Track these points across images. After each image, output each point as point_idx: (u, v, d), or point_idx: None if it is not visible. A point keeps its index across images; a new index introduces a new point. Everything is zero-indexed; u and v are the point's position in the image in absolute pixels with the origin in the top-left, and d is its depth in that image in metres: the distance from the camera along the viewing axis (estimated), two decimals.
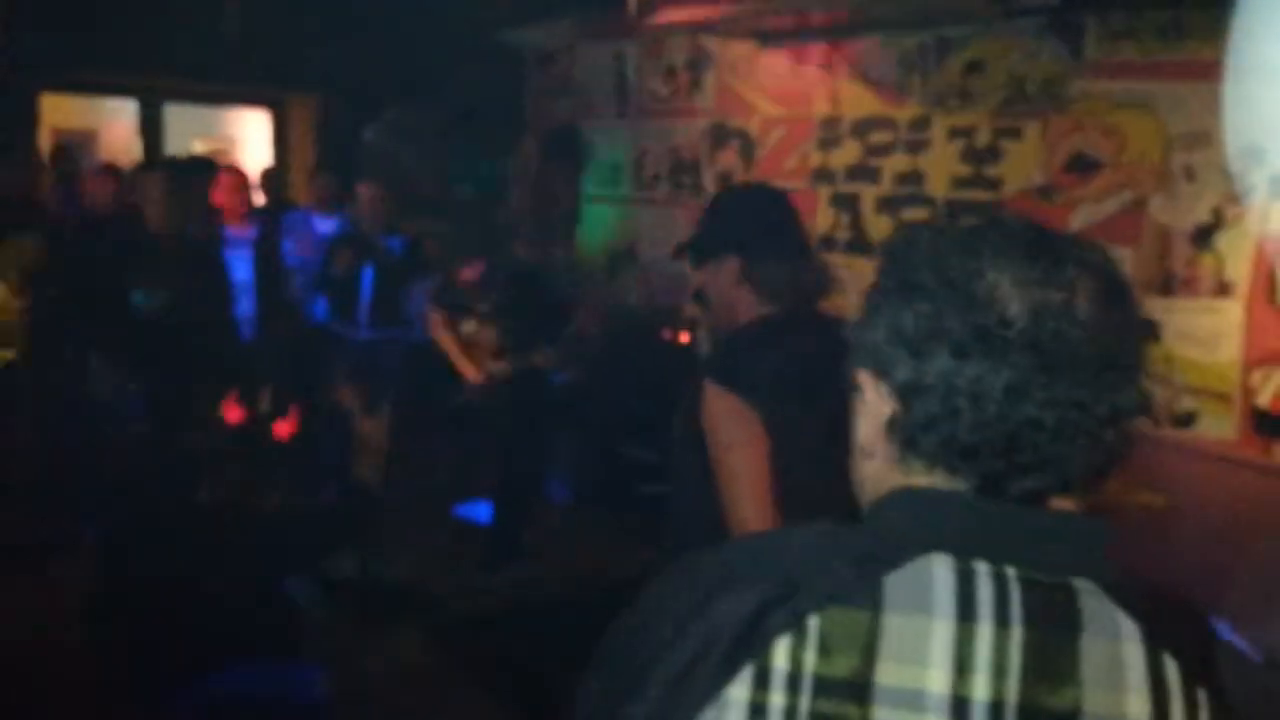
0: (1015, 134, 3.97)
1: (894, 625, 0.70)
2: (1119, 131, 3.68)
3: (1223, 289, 3.43)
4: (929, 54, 4.25)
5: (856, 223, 4.58)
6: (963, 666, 0.69)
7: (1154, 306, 3.58)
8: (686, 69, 5.39)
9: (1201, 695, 0.71)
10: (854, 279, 4.60)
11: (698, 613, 0.73)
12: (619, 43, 5.72)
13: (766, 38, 4.81)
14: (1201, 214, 3.47)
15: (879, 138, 4.47)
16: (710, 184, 5.30)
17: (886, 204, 4.45)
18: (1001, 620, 0.70)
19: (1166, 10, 3.51)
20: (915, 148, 4.33)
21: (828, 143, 4.69)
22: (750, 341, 1.90)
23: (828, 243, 4.70)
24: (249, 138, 8.24)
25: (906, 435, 0.76)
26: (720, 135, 5.23)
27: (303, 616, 3.05)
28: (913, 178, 4.35)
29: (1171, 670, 0.71)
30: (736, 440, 1.77)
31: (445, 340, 4.55)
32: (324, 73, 6.22)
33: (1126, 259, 3.65)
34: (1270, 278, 3.31)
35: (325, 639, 3.26)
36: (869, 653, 0.69)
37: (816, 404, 1.84)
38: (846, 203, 4.62)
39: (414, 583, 4.23)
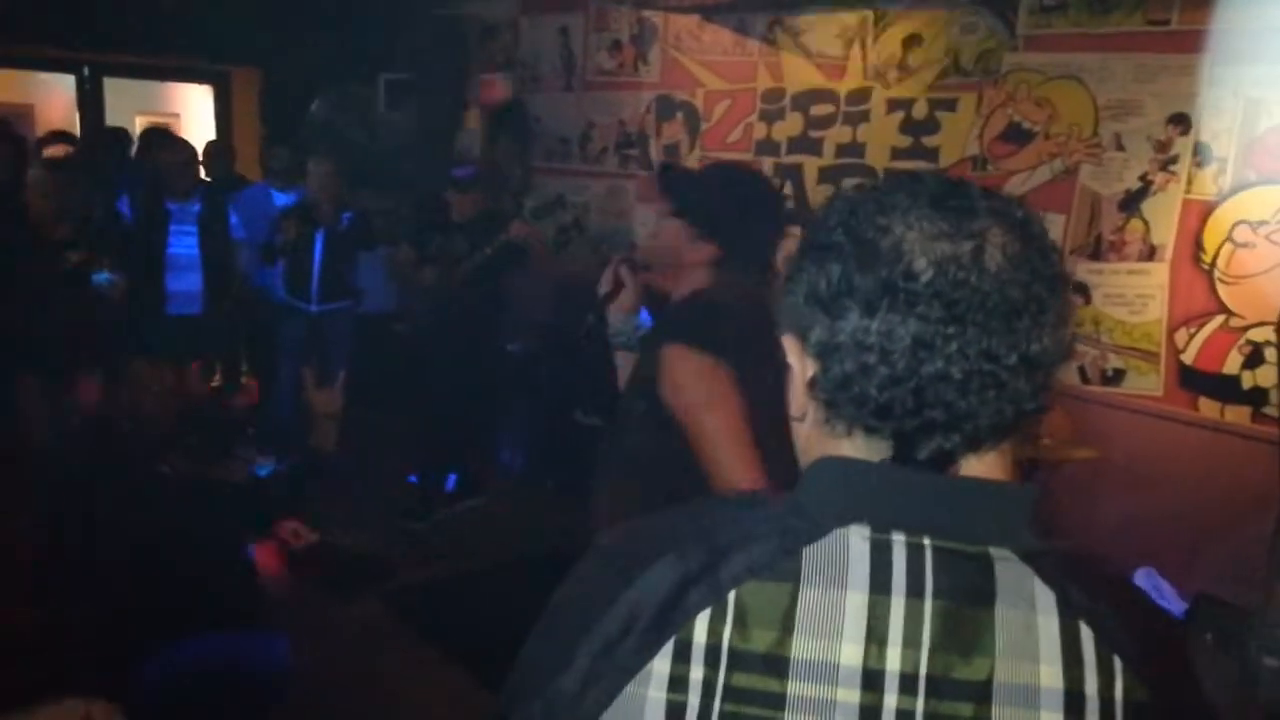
0: (951, 106, 4.10)
1: (810, 599, 0.70)
2: (1050, 102, 3.81)
3: (1150, 252, 3.59)
4: (868, 28, 4.35)
5: (800, 193, 4.67)
6: (875, 638, 0.69)
7: (1084, 270, 3.74)
8: (632, 43, 5.43)
9: (1117, 664, 0.70)
10: (796, 245, 4.71)
11: (625, 584, 0.74)
12: (564, 16, 5.74)
13: (710, 11, 4.87)
14: (1130, 181, 3.62)
15: (820, 110, 4.57)
16: (656, 156, 5.36)
17: (828, 174, 4.56)
18: (915, 591, 0.70)
19: None
20: (855, 119, 4.44)
21: (770, 115, 4.78)
22: (711, 302, 1.87)
23: None
24: (193, 112, 8.09)
25: (826, 396, 0.76)
26: (666, 108, 5.29)
27: (262, 585, 3.09)
28: (853, 149, 4.45)
29: (1087, 639, 0.71)
30: (713, 399, 1.72)
31: (405, 259, 4.58)
32: (267, 46, 6.14)
33: (1058, 225, 3.80)
34: (1195, 241, 3.48)
35: (285, 607, 3.30)
36: (785, 626, 0.70)
37: (776, 363, 1.87)
38: (790, 174, 4.71)
39: (370, 550, 4.28)
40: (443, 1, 6.20)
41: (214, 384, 4.65)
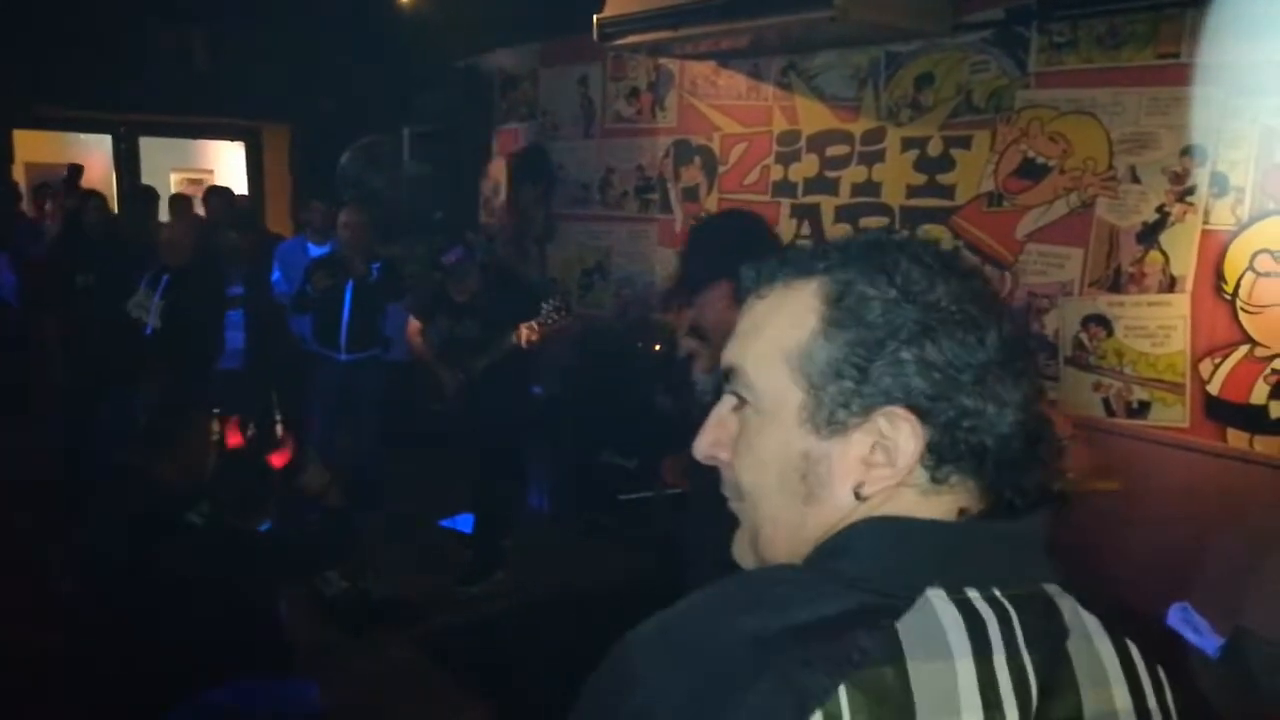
0: (965, 143, 4.14)
1: (921, 675, 0.68)
2: (1064, 137, 3.84)
3: (1170, 284, 3.59)
4: (880, 69, 4.41)
5: (818, 233, 4.72)
6: (991, 704, 0.68)
7: (1105, 303, 3.74)
8: (649, 90, 5.53)
9: (1161, 674, 0.75)
10: None
11: (721, 709, 0.67)
12: (582, 66, 5.86)
13: (724, 57, 4.96)
14: (1147, 213, 3.63)
15: (835, 151, 4.63)
16: (676, 200, 5.44)
17: (845, 213, 4.60)
18: (1011, 647, 0.70)
19: (1104, 20, 3.69)
20: (870, 159, 4.49)
21: (787, 157, 4.84)
22: None
23: None
24: (226, 168, 8.31)
25: (949, 456, 0.76)
26: (684, 152, 5.37)
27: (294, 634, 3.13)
28: (869, 188, 4.50)
29: (1136, 656, 0.75)
30: None
31: (420, 347, 4.61)
32: (295, 102, 6.32)
33: (1076, 259, 3.82)
34: (1215, 270, 3.47)
35: (317, 654, 3.33)
36: (905, 710, 0.67)
37: None
38: (807, 213, 4.76)
39: (401, 596, 4.31)
40: (465, 54, 6.35)
41: (250, 434, 4.72)
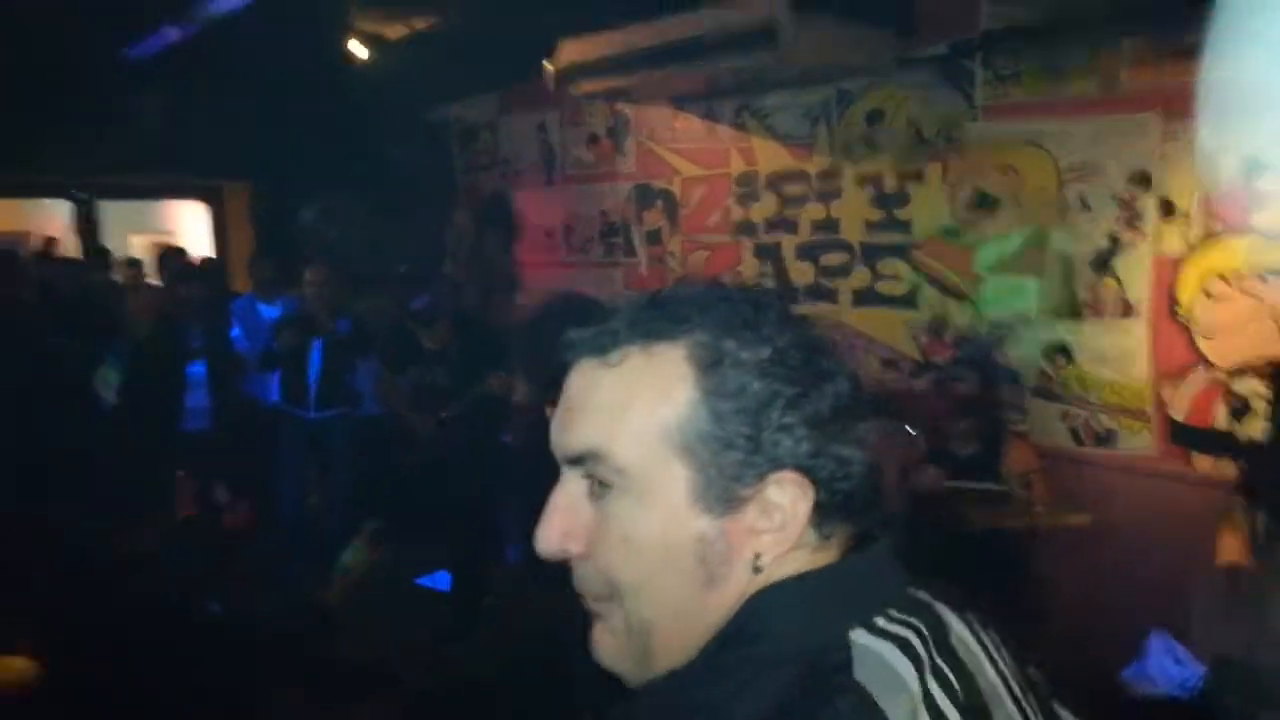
0: (918, 178, 4.16)
1: (896, 714, 0.67)
2: (1015, 169, 3.87)
3: (1127, 309, 3.60)
4: (831, 107, 4.45)
5: (780, 271, 4.73)
6: (939, 715, 0.69)
7: (1064, 331, 3.76)
8: (608, 135, 5.56)
9: (994, 635, 0.78)
10: None
11: None
12: (541, 113, 5.89)
13: (679, 100, 4.99)
14: (1099, 241, 3.65)
15: (793, 189, 4.65)
16: (640, 244, 5.44)
17: (806, 251, 4.62)
18: (931, 658, 0.71)
19: (1046, 52, 3.73)
20: (828, 196, 4.51)
21: (746, 197, 4.86)
22: None
23: None
24: (188, 229, 8.27)
25: (837, 513, 0.75)
26: (645, 197, 5.39)
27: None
28: (829, 224, 4.52)
29: (976, 625, 0.77)
30: None
31: (393, 394, 4.57)
32: (256, 160, 6.30)
33: (1033, 289, 3.83)
34: (1169, 295, 3.49)
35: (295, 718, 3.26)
36: None
37: None
38: (769, 252, 4.77)
39: (379, 657, 4.23)
40: (425, 106, 6.36)
41: (214, 500, 4.67)
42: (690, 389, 0.73)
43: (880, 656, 0.69)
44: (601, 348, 0.77)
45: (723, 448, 0.72)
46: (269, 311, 5.21)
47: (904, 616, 0.73)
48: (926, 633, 0.72)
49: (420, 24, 5.09)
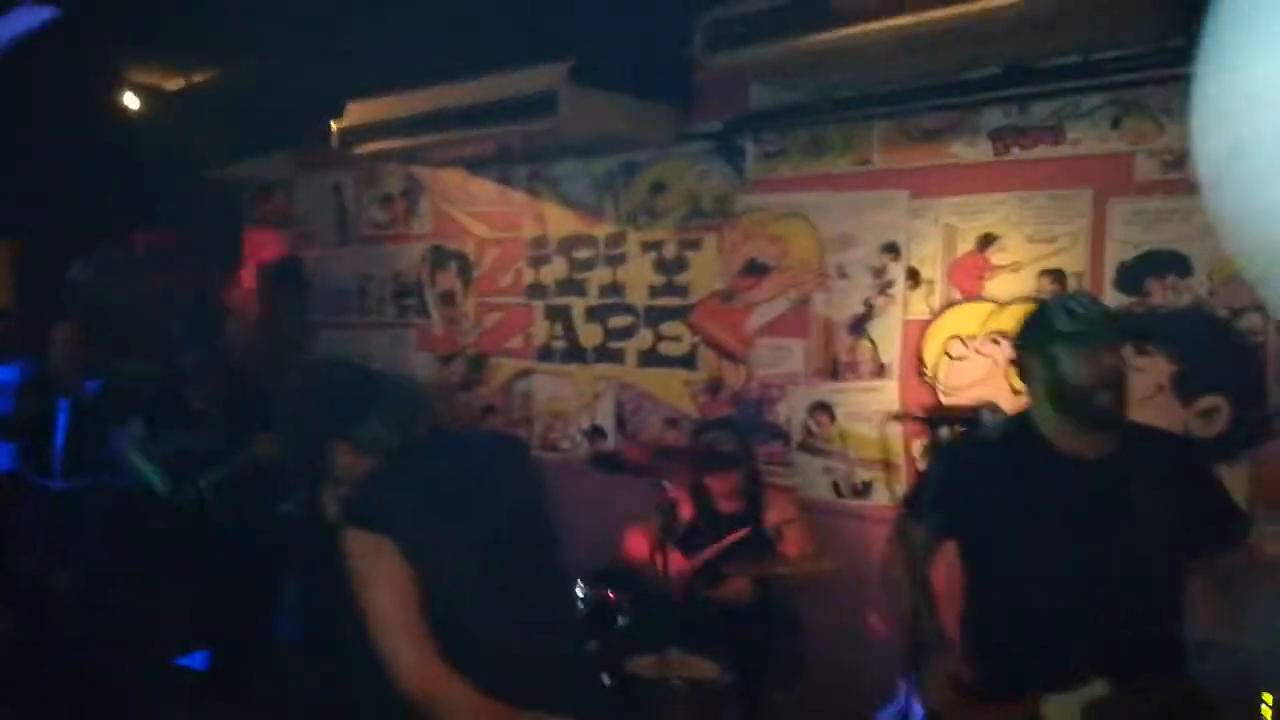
0: (696, 245, 4.35)
1: None
2: (782, 238, 4.10)
3: (881, 369, 3.85)
4: (616, 176, 4.60)
5: (570, 332, 4.79)
6: None
7: (826, 390, 3.97)
8: (402, 196, 5.53)
9: None
10: (573, 385, 4.80)
11: None
12: (336, 173, 5.81)
13: (472, 164, 5.04)
14: (855, 306, 3.90)
15: (582, 254, 4.75)
16: (434, 305, 5.40)
17: (594, 314, 4.71)
18: None
19: (807, 131, 4.00)
20: (614, 261, 4.63)
21: (538, 260, 4.93)
22: (376, 480, 1.97)
23: (546, 353, 4.90)
24: None
25: None
26: (439, 258, 5.37)
27: None
28: (615, 289, 4.63)
29: None
30: (373, 578, 1.82)
31: (141, 462, 4.27)
32: (22, 215, 5.90)
33: (799, 351, 4.04)
34: (917, 356, 3.76)
35: None
36: None
37: (462, 527, 1.93)
38: (559, 314, 4.84)
39: None
40: (214, 162, 6.14)
41: None
42: None
43: None
44: None
45: None
46: (3, 373, 4.82)
47: None
48: None
49: (199, 79, 4.94)
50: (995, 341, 3.57)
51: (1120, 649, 2.08)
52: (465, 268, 5.27)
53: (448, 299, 5.35)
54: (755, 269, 4.17)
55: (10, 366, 4.81)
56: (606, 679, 3.10)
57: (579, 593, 3.23)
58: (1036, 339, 2.27)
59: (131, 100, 5.00)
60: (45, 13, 4.12)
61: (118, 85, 4.93)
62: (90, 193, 5.75)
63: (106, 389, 4.62)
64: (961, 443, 2.42)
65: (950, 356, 3.68)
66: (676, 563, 3.32)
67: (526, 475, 2.19)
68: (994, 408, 2.16)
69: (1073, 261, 3.38)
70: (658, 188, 4.48)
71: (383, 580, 1.80)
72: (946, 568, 2.51)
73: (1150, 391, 3.15)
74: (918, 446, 3.73)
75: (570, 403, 4.81)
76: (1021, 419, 2.37)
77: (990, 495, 2.32)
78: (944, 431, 2.20)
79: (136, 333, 5.32)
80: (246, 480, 4.11)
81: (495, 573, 1.94)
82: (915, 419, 2.52)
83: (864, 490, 3.89)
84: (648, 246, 4.52)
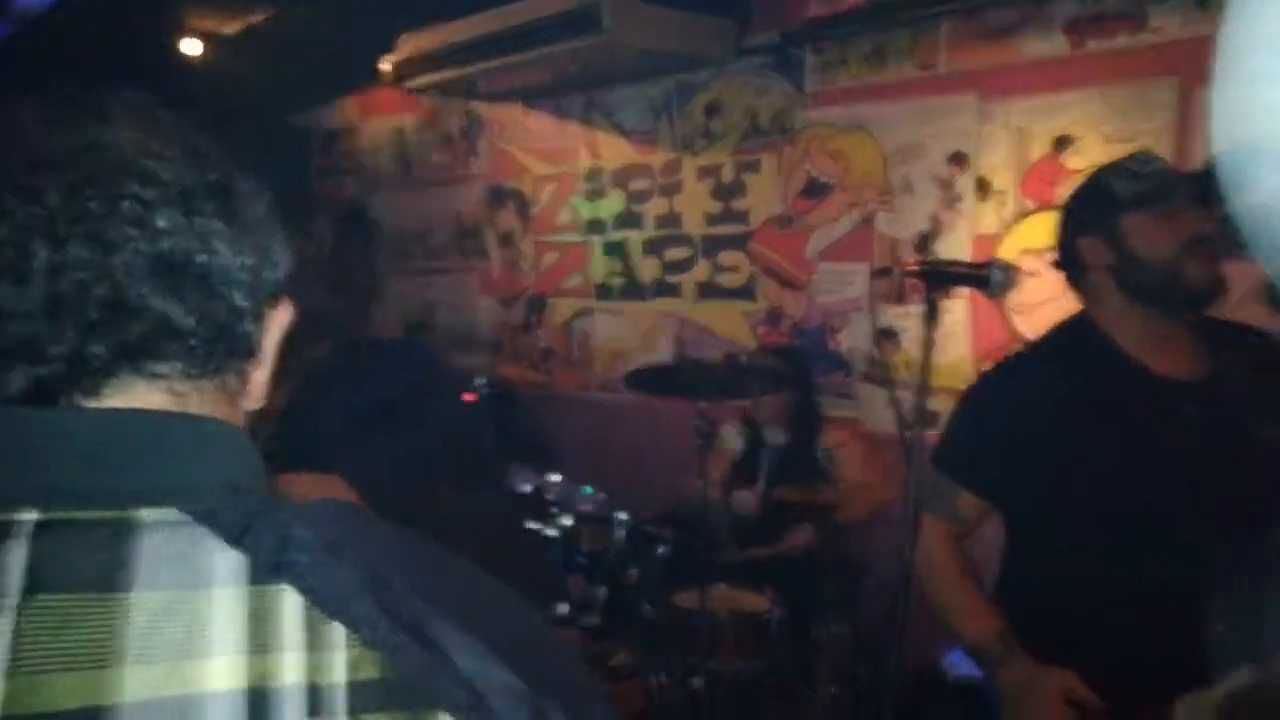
0: (754, 167, 4.12)
1: None
2: (843, 155, 3.85)
3: (948, 291, 3.57)
4: (672, 100, 4.40)
5: (628, 268, 4.64)
6: None
7: (892, 315, 3.72)
8: (462, 137, 5.44)
9: (340, 635, 0.54)
10: (629, 323, 4.66)
11: None
12: (397, 117, 5.76)
13: (529, 95, 4.90)
14: (921, 223, 3.64)
15: (638, 185, 4.58)
16: (493, 246, 5.32)
17: (651, 247, 4.54)
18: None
19: (868, 38, 3.73)
20: (670, 191, 4.45)
21: (594, 194, 4.78)
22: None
23: (604, 290, 4.76)
24: None
25: None
26: (497, 197, 5.27)
27: None
28: (671, 219, 4.45)
29: (292, 610, 0.54)
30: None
31: None
32: None
33: (863, 274, 3.80)
34: None
35: None
36: None
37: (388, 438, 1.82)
38: (616, 250, 4.69)
39: None
40: (279, 112, 6.18)
41: None
42: None
43: None
44: None
45: None
46: None
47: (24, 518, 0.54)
48: (21, 554, 0.53)
49: (258, 20, 4.92)
50: None
51: (1251, 633, 1.60)
52: (523, 206, 5.15)
53: (507, 239, 5.25)
54: (815, 189, 3.93)
55: None
56: (648, 608, 2.98)
57: (617, 518, 3.09)
58: (1095, 217, 1.82)
59: (192, 46, 5.02)
60: None
61: (177, 31, 4.94)
62: None
63: None
64: (1005, 367, 1.98)
65: (1023, 272, 3.38)
66: (734, 497, 3.16)
67: (436, 376, 2.07)
68: (1005, 265, 1.83)
69: None
70: (713, 109, 4.26)
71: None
72: (1009, 553, 1.91)
73: (1238, 300, 2.81)
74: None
75: (629, 341, 4.66)
76: (1079, 326, 1.86)
77: (1054, 436, 1.75)
78: (941, 292, 1.87)
79: None
80: None
81: (430, 473, 1.84)
82: (907, 273, 2.16)
83: (932, 420, 3.63)
84: (705, 172, 4.31)
